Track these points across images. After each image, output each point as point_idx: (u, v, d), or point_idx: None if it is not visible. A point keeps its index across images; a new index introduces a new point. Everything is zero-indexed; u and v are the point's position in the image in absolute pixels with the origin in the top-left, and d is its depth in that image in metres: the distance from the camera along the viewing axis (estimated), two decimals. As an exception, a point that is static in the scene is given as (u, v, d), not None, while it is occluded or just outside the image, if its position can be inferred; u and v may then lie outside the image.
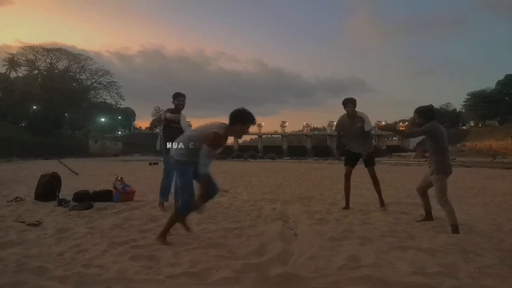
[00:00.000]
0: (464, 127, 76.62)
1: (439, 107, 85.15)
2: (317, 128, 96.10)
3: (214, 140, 2.73)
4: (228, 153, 43.56)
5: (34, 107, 44.91)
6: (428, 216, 3.80)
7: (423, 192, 3.86)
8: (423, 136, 3.76)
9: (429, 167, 3.74)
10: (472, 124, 75.21)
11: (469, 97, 71.43)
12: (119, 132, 69.15)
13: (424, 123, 3.65)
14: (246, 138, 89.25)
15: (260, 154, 56.90)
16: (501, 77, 68.96)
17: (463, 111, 76.82)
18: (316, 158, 50.67)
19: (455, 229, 3.26)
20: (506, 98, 66.17)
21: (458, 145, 55.91)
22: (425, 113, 3.74)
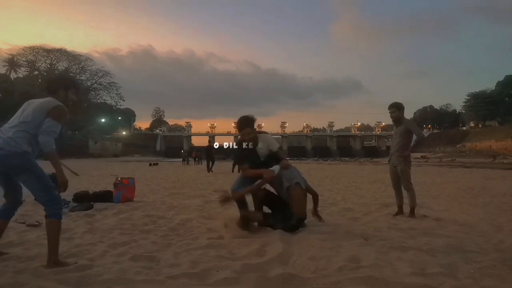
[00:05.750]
0: (464, 128, 76.67)
1: (439, 108, 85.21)
2: (317, 128, 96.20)
3: None
4: (228, 154, 43.55)
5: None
6: (401, 209, 4.15)
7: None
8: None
9: (391, 159, 4.17)
10: (472, 125, 75.23)
11: (469, 97, 71.44)
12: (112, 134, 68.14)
13: (401, 116, 4.09)
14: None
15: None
16: (496, 78, 69.21)
17: (463, 111, 76.85)
18: (316, 158, 50.72)
19: (412, 210, 3.97)
20: (506, 98, 66.21)
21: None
22: (402, 107, 4.13)
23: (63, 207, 2.42)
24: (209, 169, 14.43)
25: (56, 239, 2.27)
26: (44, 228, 3.25)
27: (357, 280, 1.97)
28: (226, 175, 12.40)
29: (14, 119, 2.28)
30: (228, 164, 19.66)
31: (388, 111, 4.15)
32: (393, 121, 4.19)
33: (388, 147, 72.77)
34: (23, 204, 4.73)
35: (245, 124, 3.29)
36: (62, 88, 2.47)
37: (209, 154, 15.42)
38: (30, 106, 2.31)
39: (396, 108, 4.08)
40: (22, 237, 2.95)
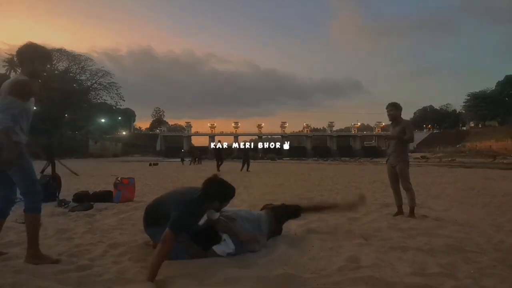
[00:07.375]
0: (464, 128, 76.65)
1: (439, 108, 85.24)
2: (317, 128, 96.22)
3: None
4: (228, 154, 43.66)
5: (34, 108, 44.88)
6: (401, 210, 4.16)
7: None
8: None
9: (389, 159, 4.20)
10: (472, 125, 75.22)
11: (469, 97, 71.41)
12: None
13: (399, 115, 4.18)
14: (246, 138, 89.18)
15: (260, 155, 57.01)
16: (496, 78, 69.35)
17: (463, 111, 76.82)
18: (316, 158, 50.74)
19: (412, 210, 3.99)
20: (506, 98, 66.22)
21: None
22: (400, 107, 4.22)
23: (41, 201, 2.34)
24: (218, 168, 15.89)
25: (35, 233, 2.26)
26: (43, 228, 3.26)
27: (357, 280, 1.97)
28: (226, 174, 12.40)
29: None
30: (229, 164, 19.76)
31: (386, 109, 4.25)
32: (389, 119, 4.28)
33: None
34: (23, 204, 4.74)
35: None
36: (27, 59, 2.30)
37: (219, 156, 17.17)
38: (2, 94, 2.23)
39: (394, 107, 4.19)
40: (22, 237, 2.94)
